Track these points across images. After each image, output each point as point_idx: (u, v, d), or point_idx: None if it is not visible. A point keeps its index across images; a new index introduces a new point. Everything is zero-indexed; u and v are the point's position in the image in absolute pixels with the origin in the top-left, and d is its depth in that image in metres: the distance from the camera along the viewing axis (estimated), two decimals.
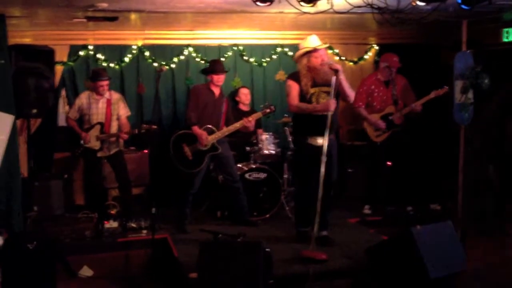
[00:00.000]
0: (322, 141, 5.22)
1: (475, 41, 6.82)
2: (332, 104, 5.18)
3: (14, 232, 5.22)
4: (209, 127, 6.29)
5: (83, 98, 6.65)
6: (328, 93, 5.31)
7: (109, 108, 6.64)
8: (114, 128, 6.67)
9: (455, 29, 6.65)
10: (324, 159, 5.06)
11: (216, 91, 6.43)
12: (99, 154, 6.63)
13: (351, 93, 5.48)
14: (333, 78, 5.17)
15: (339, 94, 5.42)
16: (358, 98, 6.92)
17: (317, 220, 5.04)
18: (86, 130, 6.59)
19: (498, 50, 7.01)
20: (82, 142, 6.58)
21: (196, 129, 6.25)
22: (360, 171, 7.60)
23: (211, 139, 6.27)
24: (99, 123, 6.59)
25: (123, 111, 6.75)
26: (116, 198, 7.10)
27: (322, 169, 5.05)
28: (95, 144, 6.58)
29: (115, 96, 6.76)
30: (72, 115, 6.69)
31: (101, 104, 6.62)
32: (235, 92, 7.68)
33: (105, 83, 6.58)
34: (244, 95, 7.52)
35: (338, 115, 5.65)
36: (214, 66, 6.40)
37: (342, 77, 5.28)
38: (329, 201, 5.50)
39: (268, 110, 6.35)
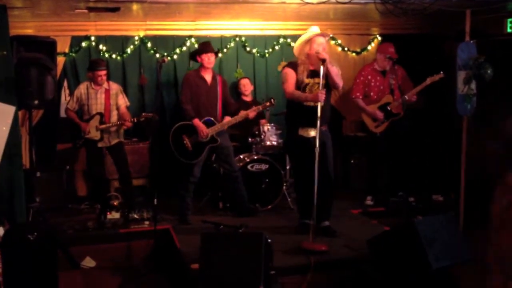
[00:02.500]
0: (314, 133, 5.21)
1: (478, 31, 6.78)
2: (321, 95, 5.14)
3: (15, 223, 5.23)
4: (209, 119, 6.28)
5: (82, 89, 6.63)
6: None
7: (108, 98, 6.63)
8: (114, 118, 6.65)
9: (459, 19, 6.60)
10: (317, 150, 5.04)
11: (208, 77, 6.37)
12: (100, 145, 6.62)
13: (339, 81, 5.42)
14: (321, 68, 5.14)
15: (329, 84, 5.40)
16: (355, 89, 6.92)
17: (315, 211, 5.03)
18: (86, 121, 6.59)
19: (502, 41, 6.96)
20: (82, 133, 6.58)
21: (196, 122, 6.23)
22: (363, 162, 7.59)
23: (211, 131, 6.26)
24: (98, 113, 6.58)
25: (122, 101, 6.73)
26: (118, 189, 7.10)
27: (316, 161, 5.04)
28: (95, 134, 6.57)
29: (114, 86, 6.75)
30: (71, 106, 6.66)
31: (100, 95, 6.61)
32: (236, 84, 7.66)
33: (103, 73, 6.56)
34: (244, 85, 7.52)
35: (329, 107, 5.61)
36: (203, 47, 6.35)
37: (330, 66, 5.25)
38: (328, 192, 5.49)
39: (268, 104, 6.31)
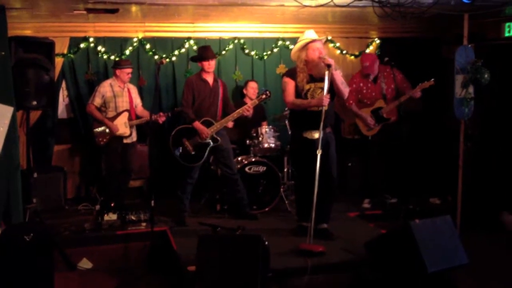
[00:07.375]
0: (318, 135, 5.20)
1: (476, 35, 6.80)
2: (326, 99, 5.14)
3: (11, 224, 5.22)
4: (208, 120, 6.28)
5: (107, 86, 6.68)
6: (323, 89, 5.24)
7: (131, 96, 6.80)
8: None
9: (457, 23, 6.62)
10: (319, 152, 5.04)
11: (210, 79, 6.40)
12: (125, 141, 6.70)
13: (344, 89, 5.38)
14: (326, 73, 5.14)
15: (333, 89, 5.38)
16: (349, 96, 6.89)
17: (313, 213, 5.02)
18: (112, 119, 6.62)
19: (499, 45, 6.98)
20: (108, 131, 6.59)
21: (196, 124, 6.23)
22: (360, 165, 7.59)
23: (211, 131, 6.26)
24: (126, 110, 6.69)
25: (139, 100, 6.97)
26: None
27: (318, 163, 5.04)
28: (124, 130, 6.66)
29: (132, 85, 6.95)
30: (97, 103, 6.65)
31: (125, 92, 6.74)
32: (244, 85, 7.64)
33: (130, 70, 6.74)
34: (252, 89, 7.47)
35: (333, 110, 5.61)
36: (203, 53, 6.35)
37: (335, 72, 5.23)
38: (329, 194, 5.49)
39: (264, 96, 6.33)
